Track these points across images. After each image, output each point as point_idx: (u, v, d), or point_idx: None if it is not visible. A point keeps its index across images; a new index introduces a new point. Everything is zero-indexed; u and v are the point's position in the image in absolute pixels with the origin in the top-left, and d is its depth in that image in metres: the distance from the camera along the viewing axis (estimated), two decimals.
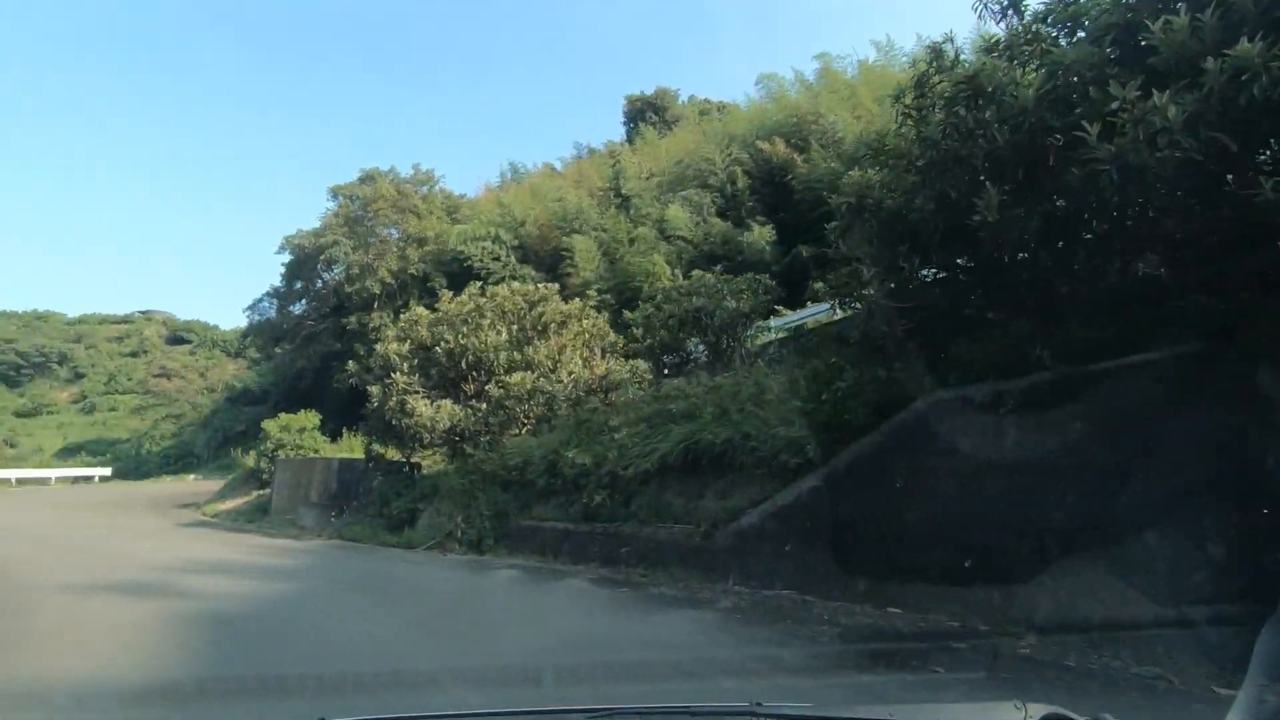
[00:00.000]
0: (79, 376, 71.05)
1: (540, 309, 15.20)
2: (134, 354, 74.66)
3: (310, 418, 23.53)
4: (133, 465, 42.21)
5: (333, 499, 18.87)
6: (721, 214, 27.71)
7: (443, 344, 14.62)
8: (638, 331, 12.96)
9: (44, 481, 32.99)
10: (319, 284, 37.55)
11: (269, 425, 23.08)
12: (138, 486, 32.05)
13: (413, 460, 16.03)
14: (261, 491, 22.26)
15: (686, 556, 8.89)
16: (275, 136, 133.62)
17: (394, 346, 15.08)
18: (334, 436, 24.20)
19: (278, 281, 39.41)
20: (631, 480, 10.28)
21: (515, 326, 14.98)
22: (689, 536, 8.96)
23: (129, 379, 67.77)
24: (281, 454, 21.54)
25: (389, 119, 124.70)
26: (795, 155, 27.20)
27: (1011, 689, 3.68)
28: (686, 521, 9.30)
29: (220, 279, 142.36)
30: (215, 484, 32.11)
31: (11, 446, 56.94)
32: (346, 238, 34.06)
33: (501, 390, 14.03)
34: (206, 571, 9.15)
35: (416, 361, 15.10)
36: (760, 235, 25.37)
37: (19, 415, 62.96)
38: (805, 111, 28.61)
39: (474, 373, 14.74)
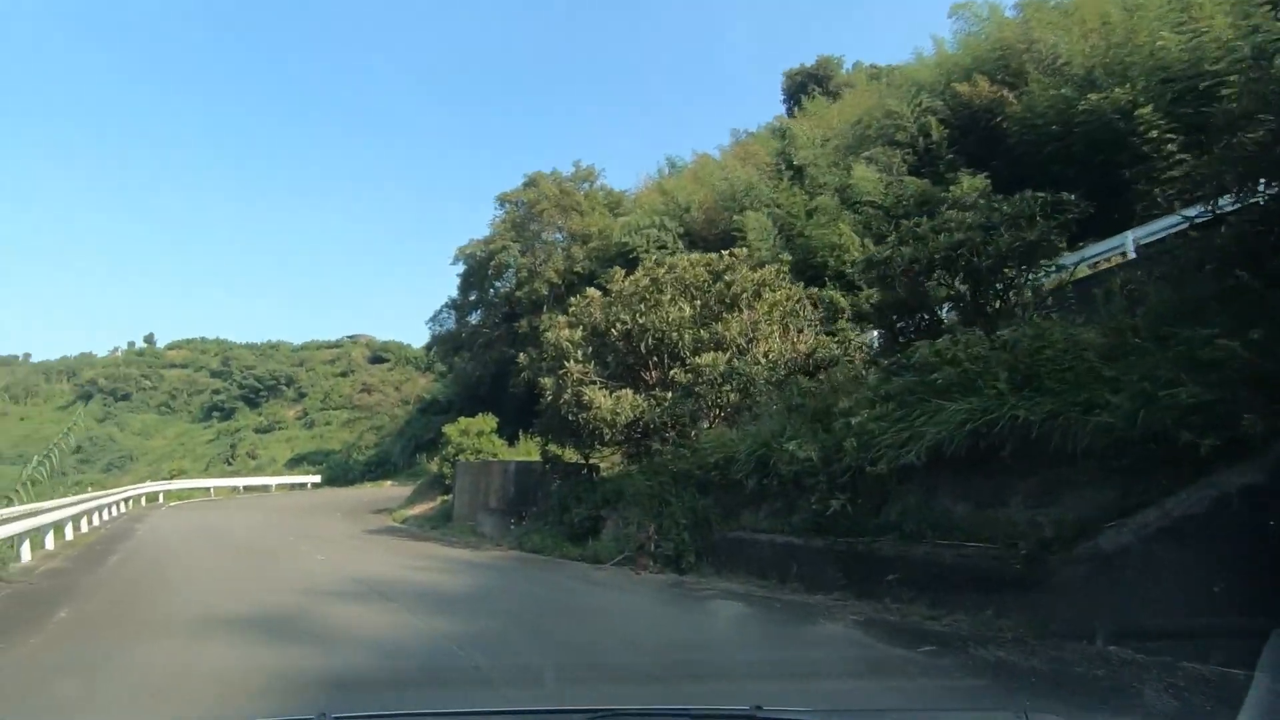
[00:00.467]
0: (302, 396, 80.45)
1: (728, 278, 12.79)
2: (343, 374, 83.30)
3: (488, 421, 23.00)
4: (341, 472, 45.87)
5: (510, 504, 17.80)
6: (914, 172, 23.78)
7: (618, 325, 12.70)
8: (845, 299, 10.10)
9: (266, 488, 36.44)
10: (491, 292, 38.15)
11: (449, 430, 22.85)
12: (342, 492, 34.32)
13: (591, 461, 14.31)
14: (445, 497, 21.95)
15: (993, 591, 5.97)
16: (450, 158, 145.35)
17: (565, 333, 13.43)
18: (511, 440, 23.60)
19: (454, 293, 40.77)
20: (882, 479, 7.49)
21: (699, 301, 12.70)
22: (995, 561, 6.03)
23: (340, 396, 75.44)
24: (461, 458, 21.06)
25: (551, 123, 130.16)
26: (1005, 92, 22.69)
27: None
28: (983, 538, 6.37)
29: (411, 301, 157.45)
30: (408, 489, 33.31)
31: (253, 458, 65.22)
32: (514, 241, 34.11)
33: (689, 375, 11.79)
34: (364, 597, 7.76)
35: (591, 350, 13.33)
36: (971, 186, 21.17)
37: (258, 431, 72.41)
38: (1013, 40, 23.90)
39: (655, 357, 12.66)
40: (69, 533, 15.85)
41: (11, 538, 11.51)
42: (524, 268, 33.92)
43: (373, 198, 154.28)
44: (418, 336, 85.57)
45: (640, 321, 12.52)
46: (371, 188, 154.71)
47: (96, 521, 18.85)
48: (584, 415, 12.47)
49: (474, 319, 39.68)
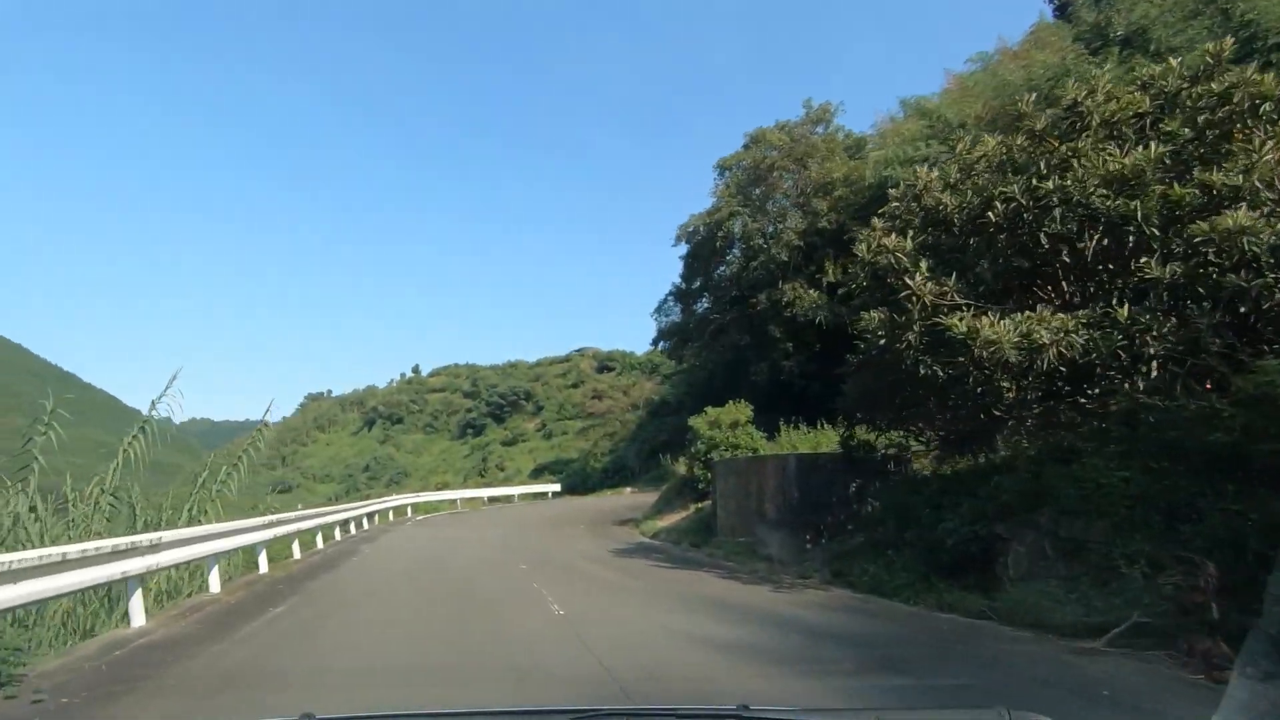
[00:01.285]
0: (539, 409, 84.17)
1: (1216, 87, 6.75)
2: (574, 385, 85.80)
3: (741, 409, 18.56)
4: (579, 480, 44.79)
5: (795, 514, 13.00)
6: None
7: (1001, 202, 7.27)
8: None
9: (509, 499, 35.88)
10: (719, 272, 33.92)
11: (696, 423, 18.76)
12: (581, 501, 32.26)
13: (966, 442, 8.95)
14: (700, 504, 17.82)
15: None
16: (666, 153, 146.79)
17: (890, 240, 8.28)
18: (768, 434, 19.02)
19: (679, 280, 37.35)
20: None
21: (1165, 147, 6.81)
22: None
23: (572, 406, 77.24)
24: (716, 455, 16.79)
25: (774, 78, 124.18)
26: None
27: None
28: None
29: (632, 307, 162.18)
30: (650, 496, 30.08)
31: (501, 469, 68.58)
32: (741, 206, 29.55)
33: (1184, 264, 6.01)
34: None
35: (936, 262, 8.04)
36: None
37: (504, 444, 76.61)
38: None
39: (1073, 250, 7.01)
40: (295, 550, 14.26)
41: (200, 560, 9.27)
42: (755, 232, 29.23)
43: (588, 207, 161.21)
44: (640, 343, 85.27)
45: (1044, 186, 6.98)
46: (587, 197, 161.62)
47: (324, 540, 17.49)
48: (948, 362, 7.23)
49: (701, 307, 35.81)
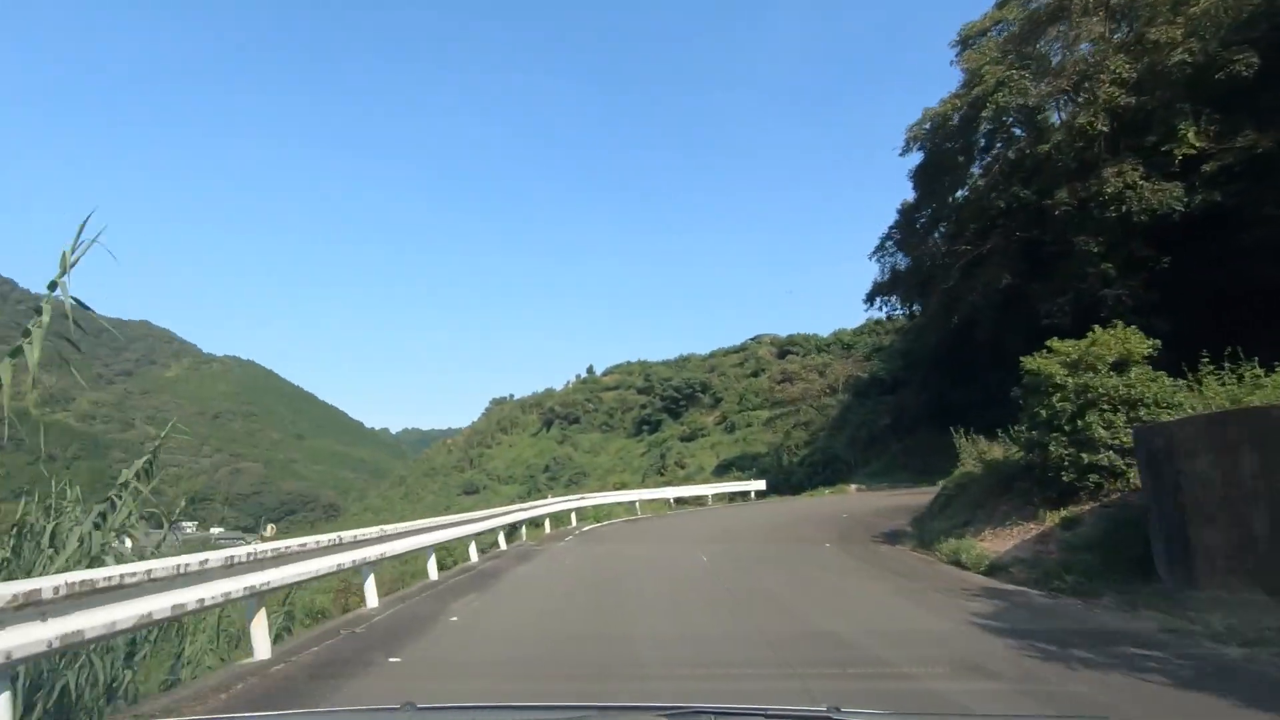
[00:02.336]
0: (718, 401, 77.42)
1: None
2: (754, 374, 78.02)
3: (1132, 339, 10.14)
4: (780, 477, 37.01)
5: None
6: None
7: None
8: None
9: (701, 500, 29.06)
10: (963, 187, 24.67)
11: (1041, 365, 10.50)
12: (793, 503, 24.68)
13: None
14: (1066, 512, 9.64)
15: None
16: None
17: None
18: None
19: (895, 224, 28.40)
20: None
21: None
22: None
23: (755, 396, 69.45)
24: (1149, 415, 8.63)
25: None
26: None
27: None
28: None
29: (814, 291, 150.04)
30: (896, 495, 21.66)
31: (681, 467, 62.55)
32: (1016, 68, 20.19)
33: None
34: None
35: None
36: None
37: (682, 440, 70.60)
38: None
39: None
40: (370, 593, 8.29)
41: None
42: (1039, 103, 19.88)
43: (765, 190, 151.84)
44: (823, 326, 74.60)
45: None
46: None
47: (442, 568, 11.52)
48: None
49: (938, 237, 26.62)
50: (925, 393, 28.85)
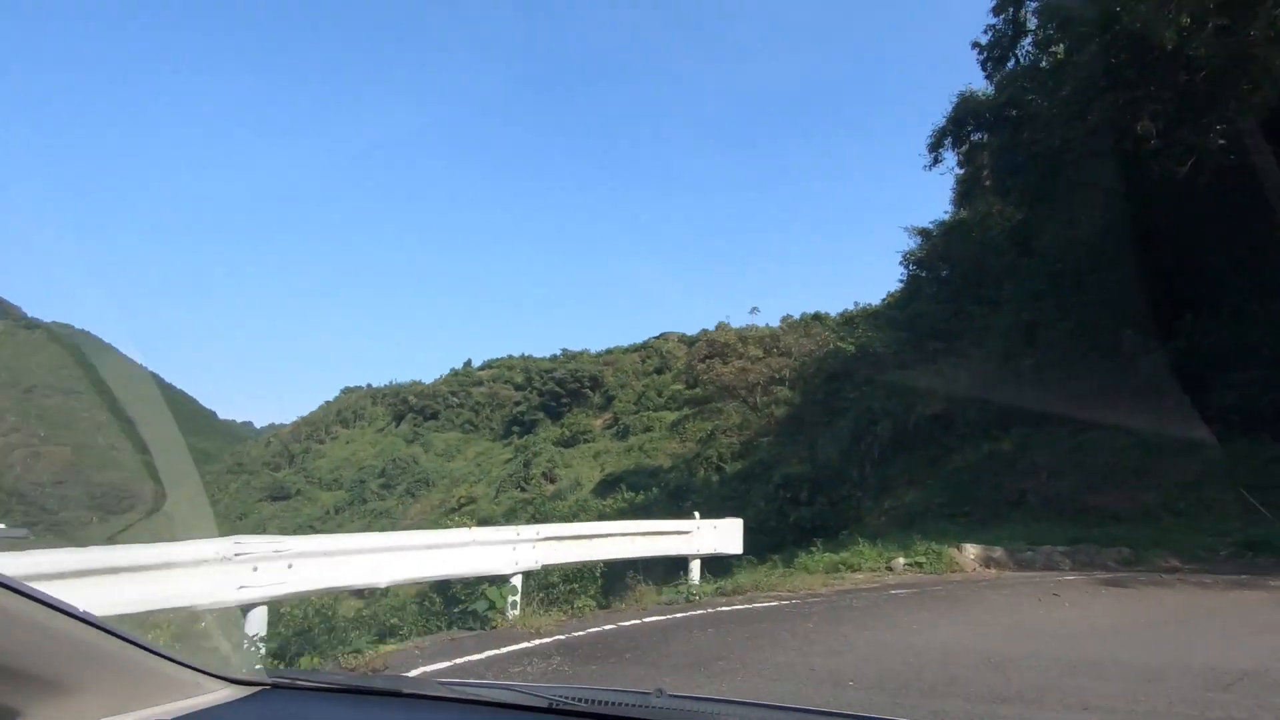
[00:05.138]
0: (609, 400, 61.82)
1: None
2: (658, 370, 63.32)
3: None
4: (702, 504, 20.98)
5: None
6: None
7: None
8: None
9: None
10: None
11: None
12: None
13: None
14: None
15: None
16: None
17: None
18: None
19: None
20: None
21: None
22: None
23: (659, 395, 54.35)
24: None
25: None
26: None
27: None
28: None
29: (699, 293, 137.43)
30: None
31: (550, 480, 46.01)
32: None
33: None
34: None
35: None
36: None
37: (559, 445, 53.86)
38: None
39: None
40: None
41: None
42: None
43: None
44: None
45: None
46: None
47: None
48: None
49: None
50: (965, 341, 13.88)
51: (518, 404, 72.48)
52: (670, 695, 1.54)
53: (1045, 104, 13.68)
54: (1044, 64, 13.77)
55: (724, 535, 7.18)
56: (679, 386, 52.27)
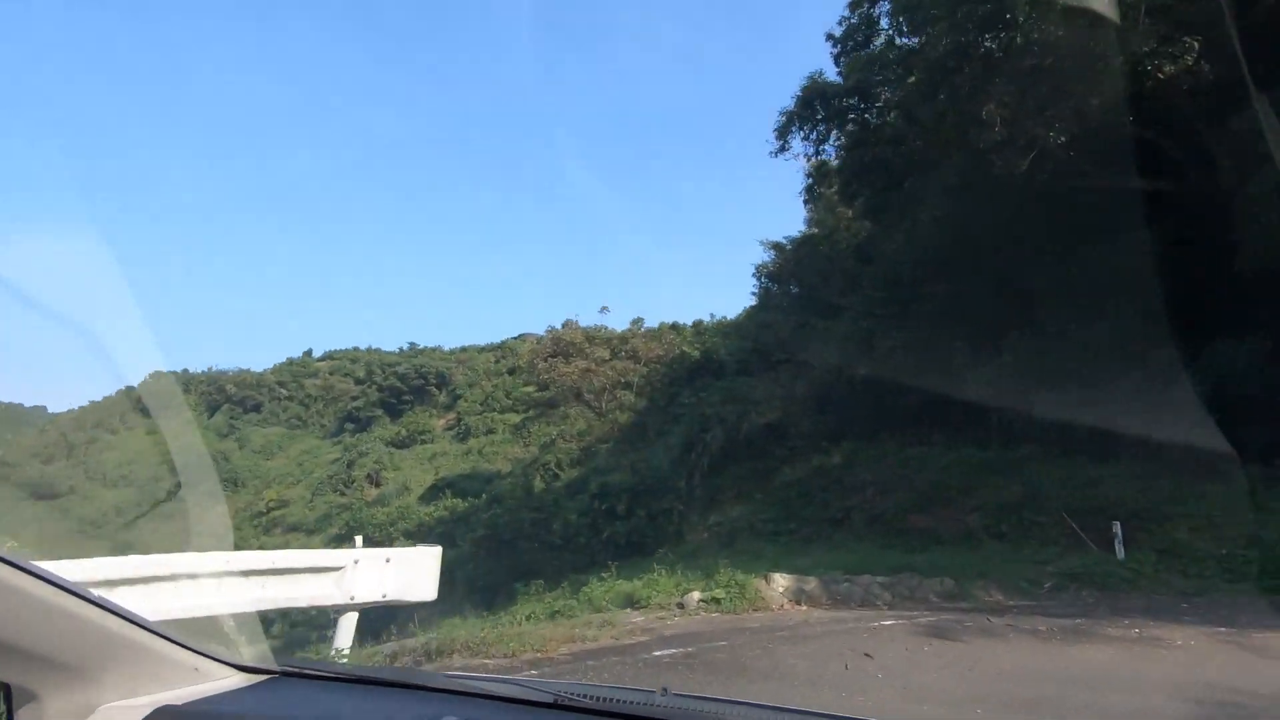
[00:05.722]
0: (455, 399, 57.68)
1: None
2: (511, 371, 60.05)
3: None
4: (508, 521, 18.41)
5: None
6: None
7: None
8: None
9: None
10: None
11: None
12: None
13: None
14: None
15: None
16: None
17: None
18: None
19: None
20: None
21: None
22: None
23: (507, 397, 51.25)
24: None
25: None
26: None
27: None
28: None
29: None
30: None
31: (375, 484, 41.57)
32: None
33: None
34: None
35: None
36: None
37: (391, 445, 49.13)
38: None
39: None
40: None
41: None
42: None
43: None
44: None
45: None
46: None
47: None
48: None
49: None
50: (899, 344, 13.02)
51: (355, 399, 66.18)
52: (675, 694, 1.56)
53: (892, 94, 12.99)
54: (893, 55, 13.06)
55: (403, 573, 4.83)
56: (530, 388, 49.46)
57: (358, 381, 71.72)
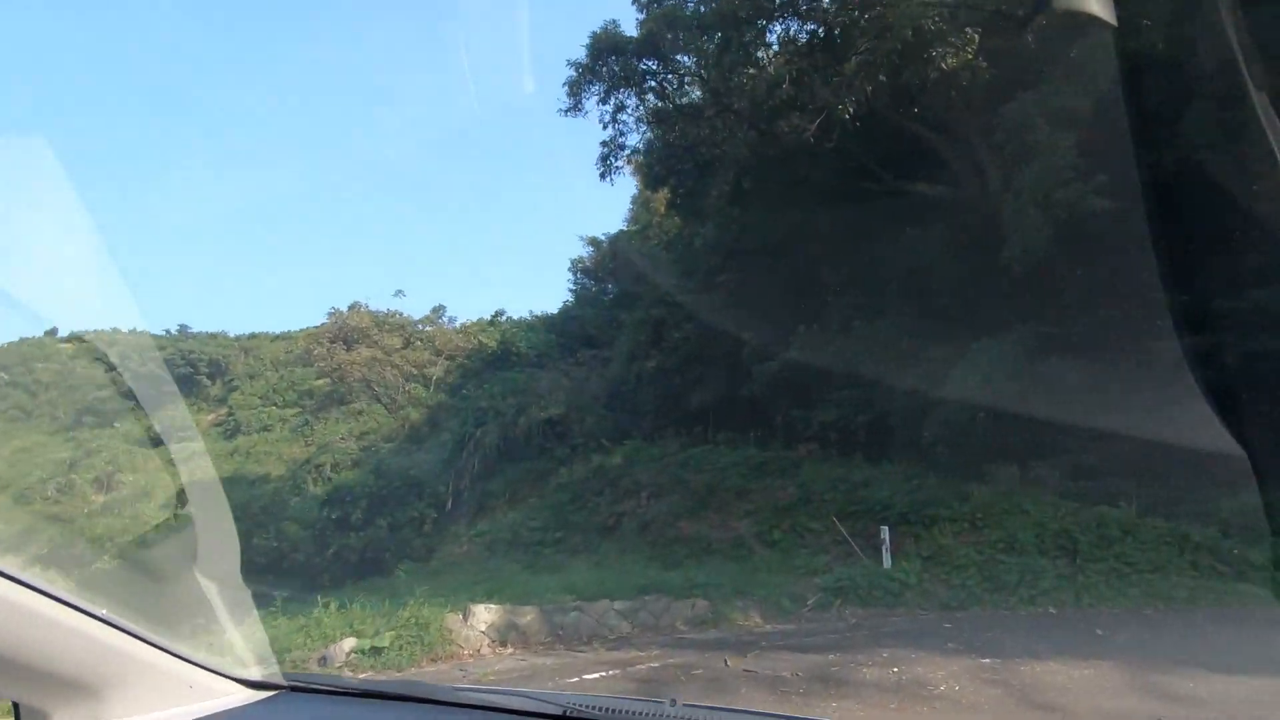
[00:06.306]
0: (231, 390, 50.10)
1: None
2: (305, 363, 53.33)
3: None
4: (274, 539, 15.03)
5: None
6: None
7: None
8: None
9: None
10: None
11: None
12: None
13: None
14: None
15: None
16: None
17: None
18: None
19: None
20: None
21: None
22: None
23: (292, 391, 45.25)
24: None
25: None
26: None
27: None
28: None
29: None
30: None
31: (105, 489, 34.40)
32: None
33: None
34: None
35: None
36: None
37: (135, 444, 41.23)
38: None
39: None
40: None
41: None
42: None
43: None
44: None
45: None
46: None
47: None
48: None
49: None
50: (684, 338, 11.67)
51: (100, 388, 55.35)
52: (685, 705, 1.56)
53: (694, 64, 11.93)
54: (689, 9, 12.03)
55: None
56: (321, 382, 44.06)
57: (108, 368, 60.23)
